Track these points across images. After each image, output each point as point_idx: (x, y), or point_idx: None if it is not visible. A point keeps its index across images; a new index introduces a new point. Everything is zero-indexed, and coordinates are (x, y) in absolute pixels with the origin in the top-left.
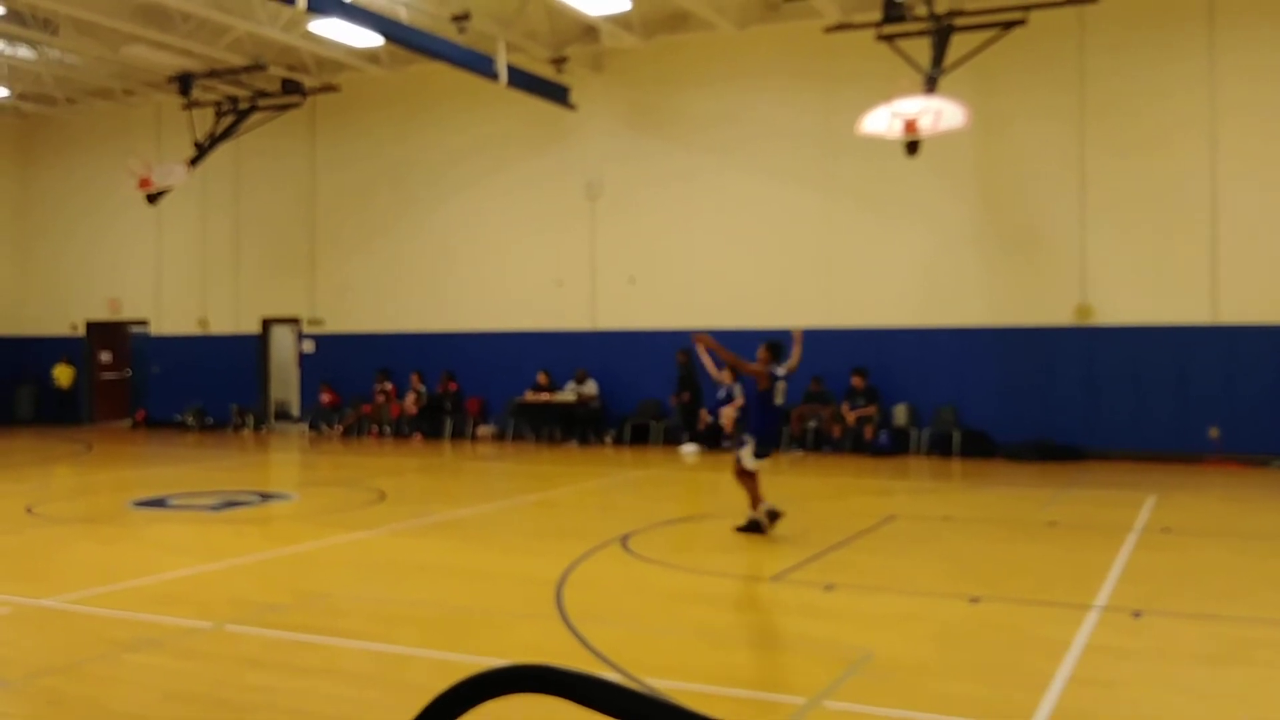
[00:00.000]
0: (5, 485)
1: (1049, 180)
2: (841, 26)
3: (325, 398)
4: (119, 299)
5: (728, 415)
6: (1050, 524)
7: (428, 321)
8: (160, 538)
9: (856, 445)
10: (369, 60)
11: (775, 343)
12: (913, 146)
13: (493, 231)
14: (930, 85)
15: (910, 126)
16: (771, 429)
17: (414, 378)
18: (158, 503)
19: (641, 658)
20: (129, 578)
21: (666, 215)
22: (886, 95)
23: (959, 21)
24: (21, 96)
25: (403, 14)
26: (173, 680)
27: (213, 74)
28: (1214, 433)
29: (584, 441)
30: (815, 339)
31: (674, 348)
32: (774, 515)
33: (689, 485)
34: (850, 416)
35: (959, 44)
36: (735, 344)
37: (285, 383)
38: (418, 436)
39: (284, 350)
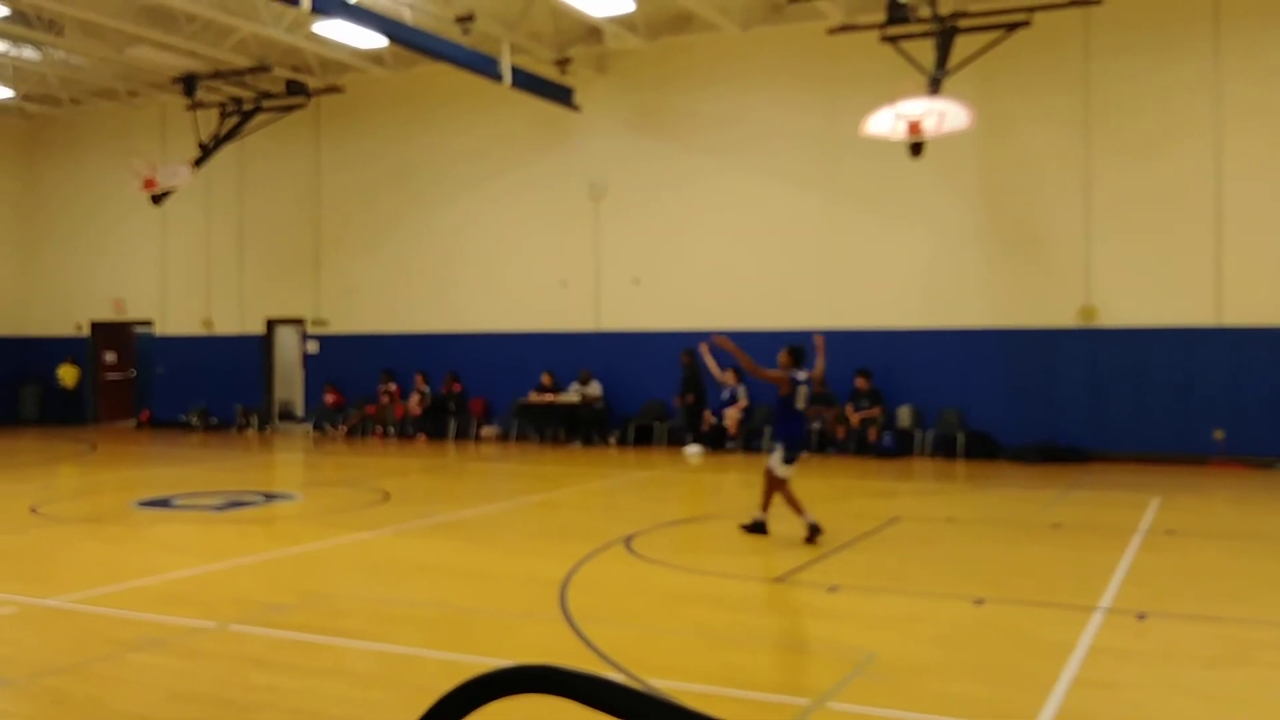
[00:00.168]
0: (10, 485)
1: (1053, 182)
2: (845, 28)
3: (329, 398)
4: (124, 299)
5: (731, 416)
6: (1054, 526)
7: (432, 322)
8: (164, 538)
9: (860, 447)
10: (373, 61)
11: (796, 347)
12: (916, 148)
13: (497, 232)
14: (934, 86)
15: (914, 128)
16: (798, 434)
17: (418, 378)
18: (162, 503)
19: (645, 658)
20: (133, 577)
21: (670, 216)
22: (890, 96)
23: (963, 23)
24: (26, 97)
25: (407, 15)
26: (177, 680)
27: (217, 75)
28: (1218, 435)
29: (588, 442)
30: None
31: (678, 349)
32: (815, 530)
33: (693, 486)
34: (854, 418)
35: (963, 45)
36: (737, 344)
37: (289, 383)
38: (422, 437)
39: (288, 351)
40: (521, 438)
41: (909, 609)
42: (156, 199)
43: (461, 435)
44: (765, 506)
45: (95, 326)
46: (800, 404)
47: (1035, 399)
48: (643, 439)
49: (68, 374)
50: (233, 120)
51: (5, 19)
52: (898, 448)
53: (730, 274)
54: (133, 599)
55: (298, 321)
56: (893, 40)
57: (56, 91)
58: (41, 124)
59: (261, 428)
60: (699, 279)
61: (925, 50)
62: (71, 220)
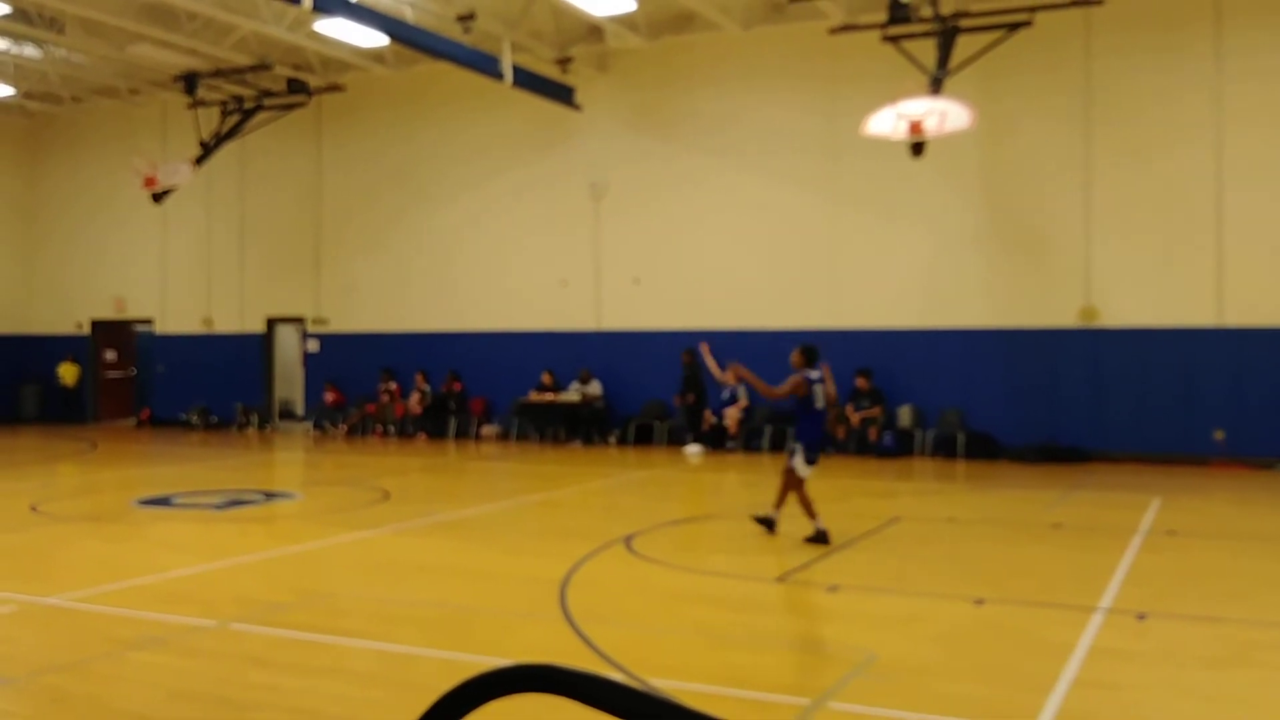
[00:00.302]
0: (10, 483)
1: (1054, 182)
2: (847, 28)
3: (330, 397)
4: (124, 298)
5: (732, 416)
6: (1055, 526)
7: (432, 321)
8: (164, 536)
9: (861, 447)
10: (374, 60)
11: (809, 346)
12: (918, 148)
13: (497, 231)
14: (935, 87)
15: (915, 128)
16: (818, 434)
17: (418, 377)
18: (162, 501)
19: (645, 658)
20: (133, 576)
21: (671, 216)
22: (891, 96)
23: (964, 23)
24: (27, 95)
25: (408, 14)
26: (176, 678)
27: (218, 73)
28: (1219, 435)
29: (588, 442)
30: (820, 340)
31: (678, 348)
32: (822, 536)
33: (693, 486)
34: (855, 418)
35: (964, 45)
36: (739, 344)
37: (290, 382)
38: (422, 436)
39: (289, 349)
40: (522, 437)
41: (909, 609)
42: (157, 197)
43: (462, 434)
44: (780, 504)
45: (96, 325)
46: (819, 403)
47: (1036, 399)
48: (643, 438)
49: (68, 372)
50: (234, 119)
51: (6, 17)
52: (898, 448)
53: (731, 273)
54: (133, 597)
55: (298, 320)
56: (894, 40)
57: (57, 89)
58: (42, 122)
59: (262, 426)
60: (699, 278)
61: (926, 50)
62: (72, 218)
